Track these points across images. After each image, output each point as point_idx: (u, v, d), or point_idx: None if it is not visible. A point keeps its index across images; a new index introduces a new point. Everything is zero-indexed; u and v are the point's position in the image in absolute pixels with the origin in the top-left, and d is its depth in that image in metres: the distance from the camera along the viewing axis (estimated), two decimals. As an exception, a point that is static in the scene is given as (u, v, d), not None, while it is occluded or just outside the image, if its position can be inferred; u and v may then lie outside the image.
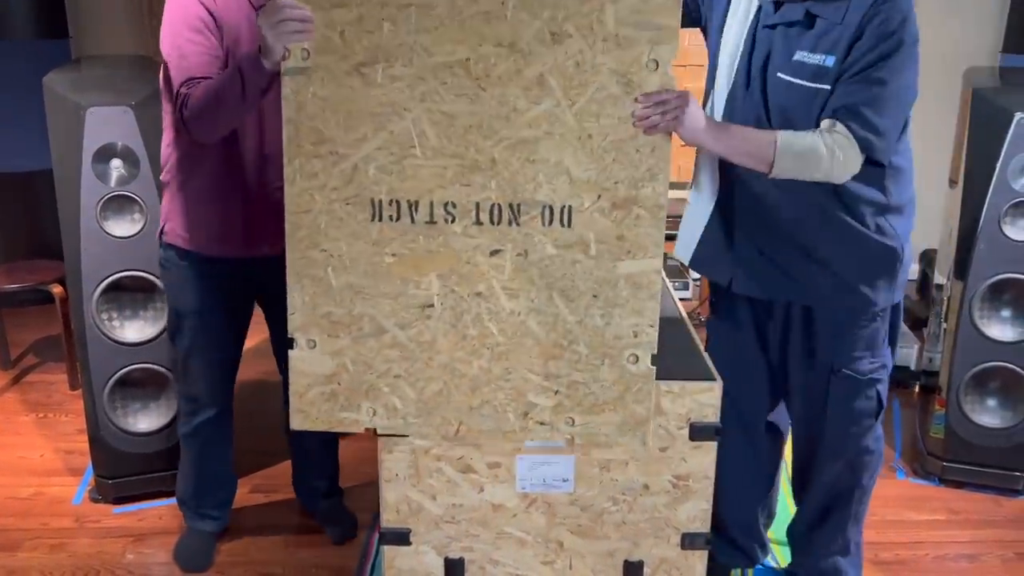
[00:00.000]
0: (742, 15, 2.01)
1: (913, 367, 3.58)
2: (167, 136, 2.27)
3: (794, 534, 2.38)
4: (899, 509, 2.88)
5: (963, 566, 2.63)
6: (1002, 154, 2.73)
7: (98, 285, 2.61)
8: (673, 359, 1.92)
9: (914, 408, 3.44)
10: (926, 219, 3.84)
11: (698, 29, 2.17)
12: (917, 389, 3.52)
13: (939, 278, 3.22)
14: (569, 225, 1.71)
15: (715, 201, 2.10)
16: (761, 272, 2.07)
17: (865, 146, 1.87)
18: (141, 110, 2.54)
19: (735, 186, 2.04)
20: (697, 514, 1.95)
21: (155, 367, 2.71)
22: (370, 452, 2.07)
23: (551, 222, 1.71)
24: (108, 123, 2.52)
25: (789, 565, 2.43)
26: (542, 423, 1.82)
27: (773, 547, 2.57)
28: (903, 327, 3.71)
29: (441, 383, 1.80)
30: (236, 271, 2.32)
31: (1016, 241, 2.77)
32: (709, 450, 1.91)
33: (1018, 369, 2.84)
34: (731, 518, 2.37)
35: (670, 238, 1.93)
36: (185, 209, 2.27)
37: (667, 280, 2.30)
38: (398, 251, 1.73)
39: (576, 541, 1.96)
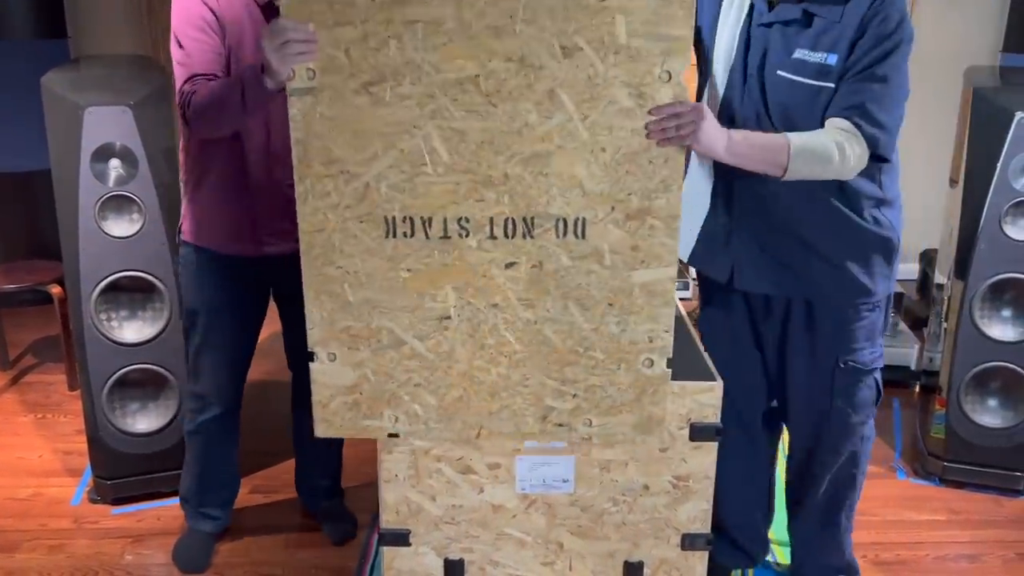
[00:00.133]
0: (734, 15, 2.02)
1: (913, 367, 3.58)
2: (182, 137, 2.30)
3: (795, 532, 2.38)
4: (899, 509, 2.88)
5: (963, 566, 2.62)
6: (1003, 153, 2.73)
7: (97, 285, 2.60)
8: (673, 359, 1.92)
9: (914, 408, 3.43)
10: (926, 219, 3.87)
11: None
12: (917, 389, 3.51)
13: (939, 278, 3.22)
14: (583, 237, 1.70)
15: (713, 198, 2.09)
16: (763, 267, 2.08)
17: (872, 143, 1.88)
18: (140, 110, 2.54)
19: (734, 183, 2.04)
20: (697, 515, 1.95)
21: (154, 367, 2.70)
22: (370, 453, 2.06)
23: (565, 234, 1.70)
24: (107, 123, 2.52)
25: (790, 565, 2.43)
26: (561, 424, 1.83)
27: (773, 547, 2.56)
28: (903, 327, 3.75)
29: (461, 390, 1.80)
30: (249, 270, 2.34)
31: (1017, 241, 2.77)
32: (709, 450, 1.91)
33: (1019, 369, 2.84)
34: (731, 518, 2.36)
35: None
36: (198, 208, 2.31)
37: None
38: (413, 266, 1.72)
39: (576, 542, 1.96)
